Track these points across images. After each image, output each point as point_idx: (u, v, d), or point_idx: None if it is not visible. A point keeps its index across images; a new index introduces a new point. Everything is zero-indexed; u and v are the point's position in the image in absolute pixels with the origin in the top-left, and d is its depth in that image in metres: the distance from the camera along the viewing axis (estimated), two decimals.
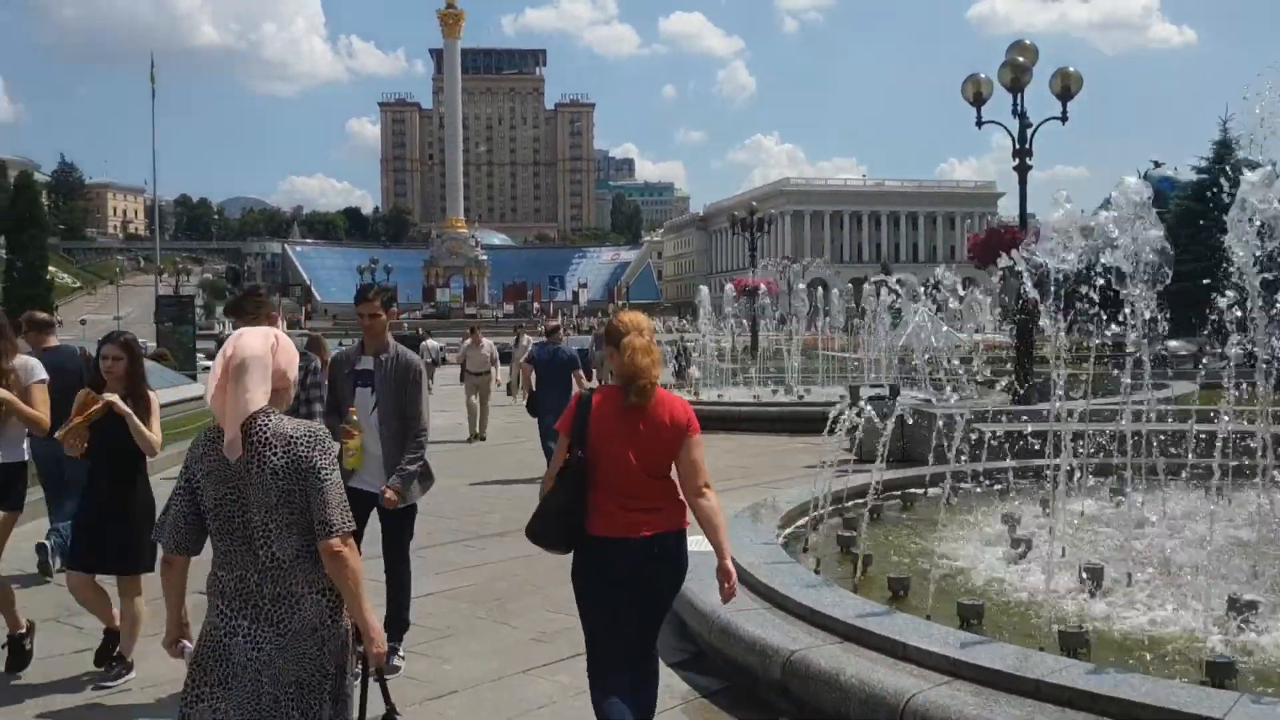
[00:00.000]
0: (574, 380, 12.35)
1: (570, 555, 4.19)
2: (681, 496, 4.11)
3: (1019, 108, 14.73)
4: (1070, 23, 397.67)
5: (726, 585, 4.04)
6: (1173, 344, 45.76)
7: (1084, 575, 5.99)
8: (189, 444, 3.22)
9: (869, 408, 7.89)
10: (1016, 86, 14.41)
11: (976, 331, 40.95)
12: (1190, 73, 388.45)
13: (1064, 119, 14.85)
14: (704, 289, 28.64)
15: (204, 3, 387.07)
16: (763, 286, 32.79)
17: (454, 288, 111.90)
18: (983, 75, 14.95)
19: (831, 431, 7.98)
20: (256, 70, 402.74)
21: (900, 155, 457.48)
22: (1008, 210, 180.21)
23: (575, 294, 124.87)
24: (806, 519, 8.27)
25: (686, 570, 4.20)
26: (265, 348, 3.08)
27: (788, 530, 8.07)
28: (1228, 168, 36.71)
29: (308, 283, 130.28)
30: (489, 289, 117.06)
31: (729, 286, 28.85)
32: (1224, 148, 38.82)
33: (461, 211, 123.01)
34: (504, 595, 7.58)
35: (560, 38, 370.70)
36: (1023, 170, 14.94)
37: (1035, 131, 14.83)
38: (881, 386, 14.37)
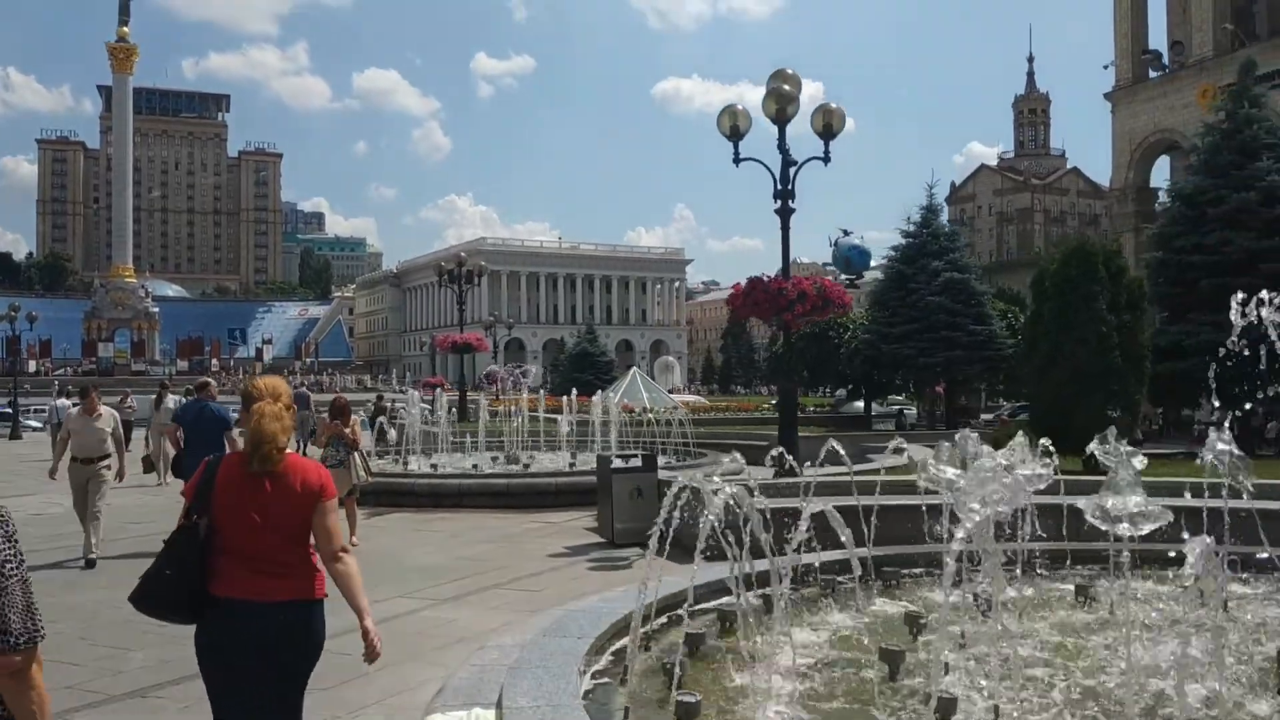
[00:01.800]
0: (225, 442, 11.39)
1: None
2: (319, 565, 4.01)
3: (783, 143, 13.83)
4: (746, 104, 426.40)
5: (368, 644, 3.99)
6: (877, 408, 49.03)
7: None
8: None
9: (686, 486, 6.18)
10: (781, 118, 13.64)
11: (672, 392, 41.72)
12: (865, 153, 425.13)
13: (826, 159, 14.09)
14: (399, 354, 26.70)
15: None
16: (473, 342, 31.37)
17: (119, 342, 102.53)
18: (740, 107, 14.11)
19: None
20: None
21: (591, 221, 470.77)
22: (694, 277, 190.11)
23: (259, 350, 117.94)
24: (605, 659, 6.30)
25: (321, 643, 4.04)
26: None
27: (593, 669, 6.03)
28: (932, 233, 39.64)
29: None
30: (160, 343, 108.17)
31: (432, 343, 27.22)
32: (930, 212, 41.48)
33: (130, 259, 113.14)
34: None
35: (247, 84, 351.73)
36: (784, 213, 13.82)
37: (799, 170, 13.93)
38: (634, 455, 13.40)
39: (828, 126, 14.11)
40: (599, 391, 29.94)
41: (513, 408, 23.45)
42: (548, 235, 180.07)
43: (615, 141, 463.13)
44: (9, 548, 2.44)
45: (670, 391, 42.59)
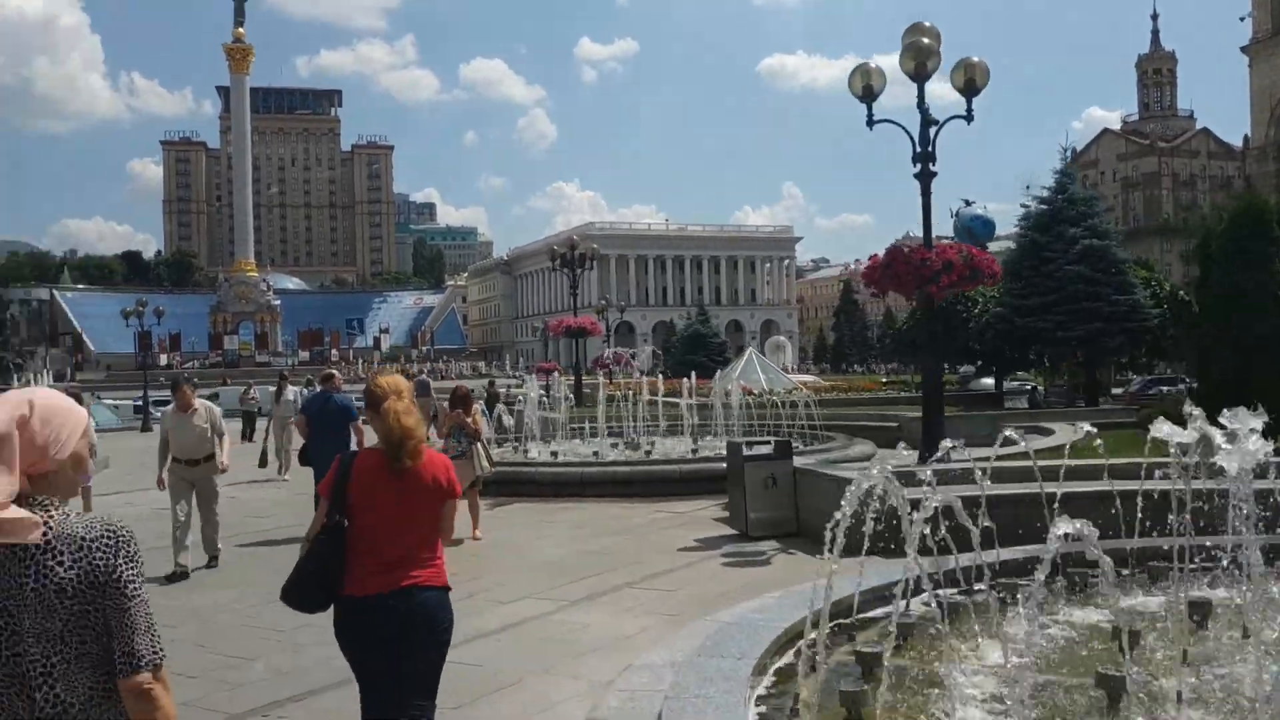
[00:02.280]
0: (351, 431, 11.92)
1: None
2: (443, 555, 4.21)
3: (922, 101, 12.62)
4: None
5: None
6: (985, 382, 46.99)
7: None
8: None
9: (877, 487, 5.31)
10: (920, 75, 12.50)
11: (785, 373, 40.56)
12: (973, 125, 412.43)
13: (969, 117, 12.90)
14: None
15: None
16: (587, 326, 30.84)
17: (243, 334, 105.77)
18: (873, 64, 12.98)
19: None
20: (28, 106, 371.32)
21: (698, 203, 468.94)
22: (803, 255, 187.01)
23: (377, 339, 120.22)
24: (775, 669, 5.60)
25: (451, 629, 4.23)
26: (6, 421, 2.29)
27: (762, 688, 5.30)
28: (1068, 198, 37.49)
29: (79, 331, 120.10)
30: (282, 335, 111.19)
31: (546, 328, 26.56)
32: (1066, 177, 39.09)
33: (251, 254, 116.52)
34: None
35: (357, 80, 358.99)
36: (925, 177, 12.64)
37: (940, 131, 12.74)
38: (766, 441, 12.57)
39: (970, 82, 12.90)
40: (718, 372, 29.14)
41: (630, 392, 22.77)
42: (655, 218, 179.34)
43: (720, 121, 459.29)
44: (130, 569, 2.35)
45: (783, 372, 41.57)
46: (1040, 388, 47.63)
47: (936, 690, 5.12)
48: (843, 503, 5.16)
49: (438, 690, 4.26)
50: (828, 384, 49.35)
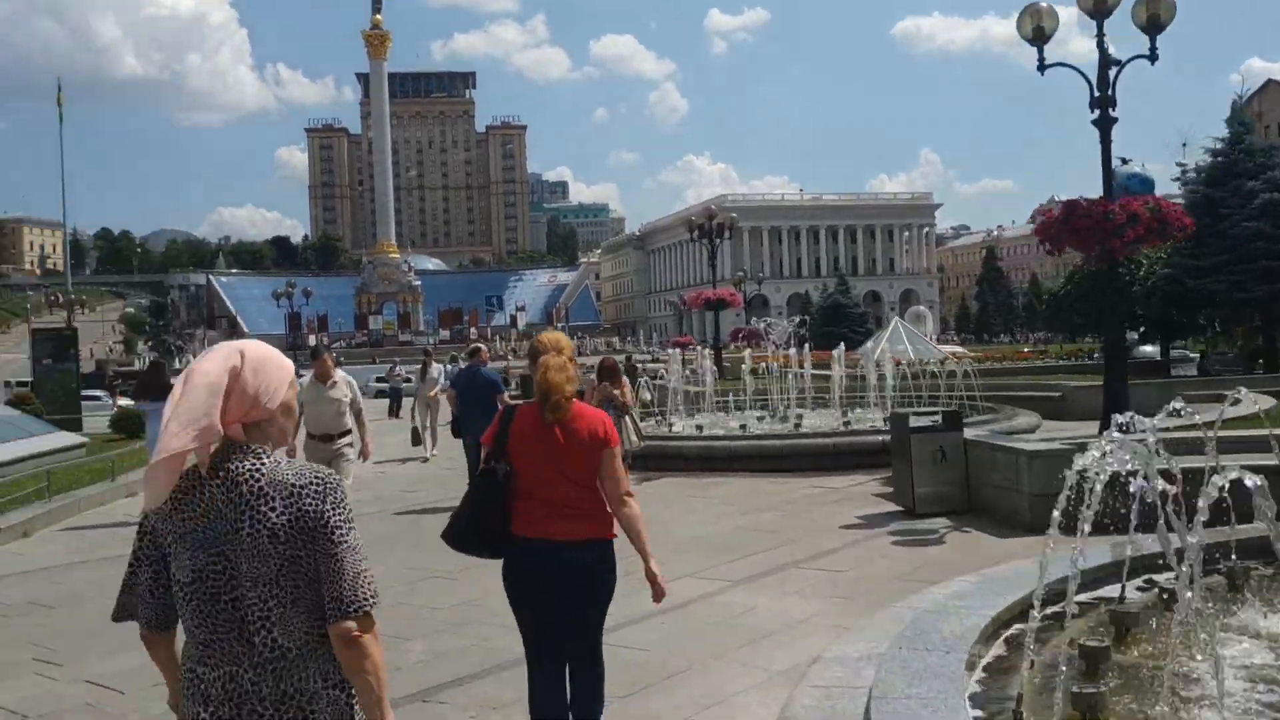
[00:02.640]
0: (498, 403, 11.77)
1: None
2: (609, 508, 4.25)
3: (1102, 40, 11.46)
4: (991, 39, 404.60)
5: (655, 588, 4.24)
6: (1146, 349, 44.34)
7: None
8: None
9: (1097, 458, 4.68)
10: (1100, 10, 11.40)
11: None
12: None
13: (1153, 57, 11.77)
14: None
15: (125, 34, 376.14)
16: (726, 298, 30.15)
17: (387, 314, 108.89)
18: (1044, 3, 11.96)
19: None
20: (181, 101, 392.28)
21: (831, 172, 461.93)
22: (943, 222, 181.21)
23: (513, 317, 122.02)
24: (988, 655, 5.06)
25: (614, 580, 4.34)
26: (221, 369, 2.36)
27: (974, 684, 4.73)
28: (1245, 149, 34.80)
29: (234, 314, 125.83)
30: (423, 315, 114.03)
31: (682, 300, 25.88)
32: (1243, 127, 35.98)
33: (393, 236, 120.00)
34: None
35: (489, 62, 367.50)
36: (1105, 123, 11.59)
37: (1120, 72, 11.64)
38: (934, 412, 11.80)
39: (1153, 18, 11.76)
40: (868, 343, 28.18)
41: (775, 364, 22.08)
42: (788, 188, 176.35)
43: (854, 87, 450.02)
44: (337, 515, 2.35)
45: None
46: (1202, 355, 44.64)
47: (1178, 694, 4.39)
48: (1067, 475, 4.48)
49: (601, 644, 4.43)
50: (975, 354, 47.42)
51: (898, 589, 7.44)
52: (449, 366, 33.21)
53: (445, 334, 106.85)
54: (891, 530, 10.02)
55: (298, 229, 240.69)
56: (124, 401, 42.74)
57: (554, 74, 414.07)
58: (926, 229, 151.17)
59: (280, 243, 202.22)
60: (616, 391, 11.44)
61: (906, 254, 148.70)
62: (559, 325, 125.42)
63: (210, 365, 2.38)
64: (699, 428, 17.10)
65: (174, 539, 2.36)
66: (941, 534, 9.78)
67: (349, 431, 9.70)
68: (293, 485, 2.35)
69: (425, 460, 18.17)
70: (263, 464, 2.37)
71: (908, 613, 5.47)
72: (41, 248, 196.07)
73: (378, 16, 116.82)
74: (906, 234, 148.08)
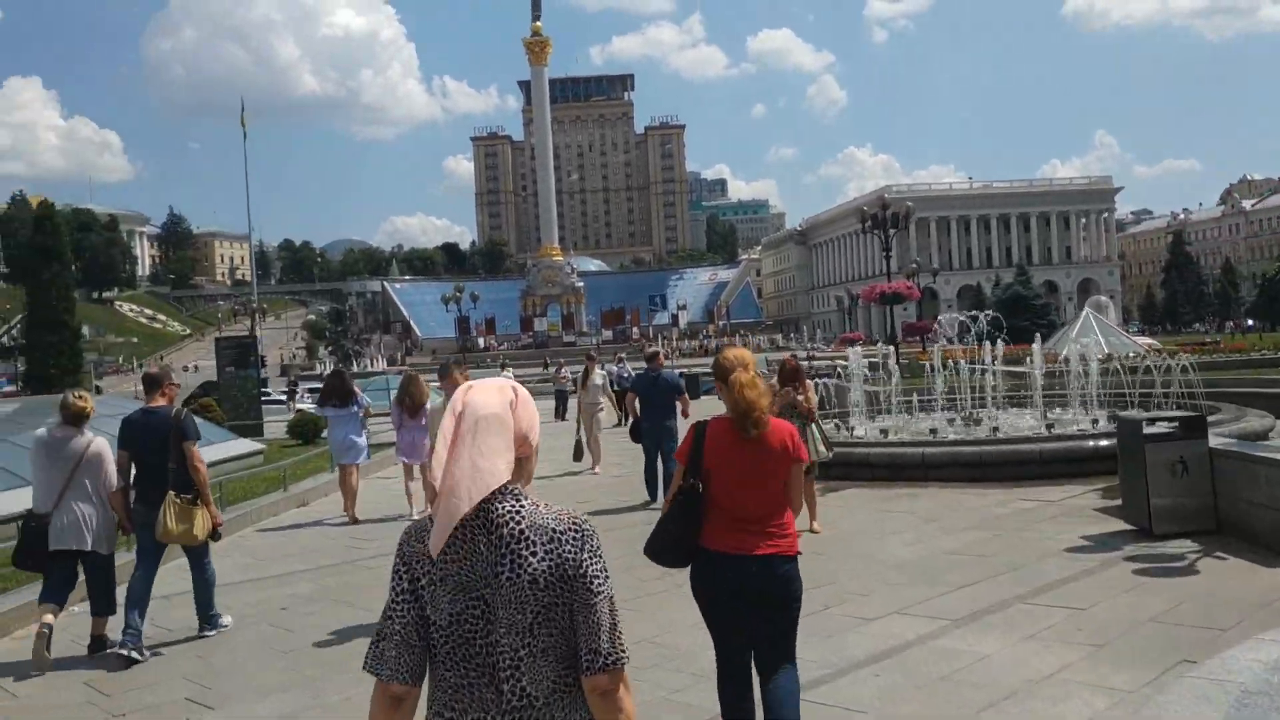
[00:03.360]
0: (679, 405, 12.80)
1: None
2: (793, 525, 4.41)
3: None
4: (1172, 11, 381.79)
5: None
6: None
7: None
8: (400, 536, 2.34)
9: None
10: None
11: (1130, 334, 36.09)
12: None
13: None
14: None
15: (303, 55, 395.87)
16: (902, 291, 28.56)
17: (551, 316, 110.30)
18: None
19: None
20: (357, 115, 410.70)
21: (999, 159, 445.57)
22: (1123, 207, 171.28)
23: (675, 316, 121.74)
24: None
25: (800, 595, 4.36)
26: (503, 406, 2.34)
27: None
28: None
29: (407, 319, 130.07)
30: (586, 315, 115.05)
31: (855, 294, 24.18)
32: None
33: (556, 239, 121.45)
34: None
35: (647, 63, 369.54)
36: None
37: None
38: (1170, 416, 10.32)
39: None
40: (1053, 336, 26.23)
41: (962, 360, 20.49)
42: (954, 178, 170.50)
43: (1021, 71, 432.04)
44: (595, 563, 2.29)
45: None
46: None
47: None
48: None
49: (794, 653, 4.37)
50: (1172, 346, 43.98)
51: (1161, 636, 6.21)
52: (614, 368, 32.75)
53: (608, 334, 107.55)
54: (1128, 555, 8.65)
55: (465, 235, 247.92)
56: (302, 406, 44.42)
57: (711, 72, 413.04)
58: (1105, 214, 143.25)
59: (449, 249, 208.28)
60: (801, 397, 10.42)
61: (1084, 241, 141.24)
62: (720, 323, 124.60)
63: (490, 400, 2.34)
64: (883, 432, 15.82)
65: (431, 581, 2.30)
66: (1191, 561, 8.38)
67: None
68: (553, 530, 2.29)
69: (590, 471, 16.81)
70: (522, 506, 2.31)
71: (1219, 685, 4.27)
72: (231, 260, 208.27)
73: (537, 24, 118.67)
74: (1084, 221, 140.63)
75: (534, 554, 2.25)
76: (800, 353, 45.13)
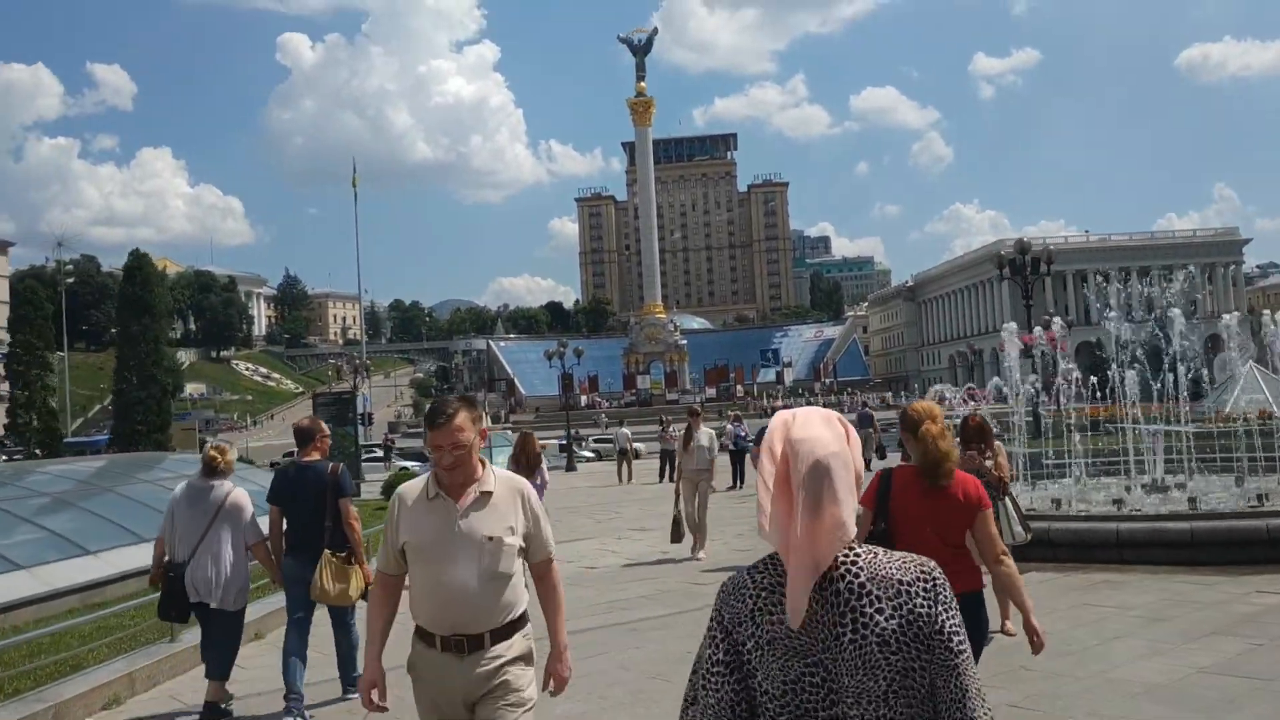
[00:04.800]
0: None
1: None
2: (976, 562, 4.62)
3: None
4: None
5: (1035, 640, 4.34)
6: None
7: None
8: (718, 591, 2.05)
9: None
10: None
11: None
12: None
13: None
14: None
15: (416, 122, 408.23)
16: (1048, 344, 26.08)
17: (654, 374, 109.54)
18: None
19: None
20: (466, 180, 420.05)
21: (1112, 213, 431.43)
22: (1256, 259, 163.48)
23: (779, 373, 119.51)
24: None
25: (986, 630, 4.88)
26: (840, 441, 2.08)
27: None
28: None
29: (511, 377, 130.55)
30: (690, 373, 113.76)
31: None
32: None
33: (659, 297, 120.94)
34: None
35: (749, 123, 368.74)
36: None
37: None
38: None
39: None
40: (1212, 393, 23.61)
41: (1123, 419, 18.14)
42: (1066, 232, 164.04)
43: (1134, 123, 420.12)
44: (950, 617, 2.01)
45: None
46: None
47: None
48: None
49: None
50: None
51: None
52: (730, 426, 30.77)
53: (711, 392, 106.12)
54: None
55: (569, 294, 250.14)
56: (403, 463, 43.57)
57: (814, 131, 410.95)
58: (1233, 267, 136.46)
59: (553, 308, 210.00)
60: (989, 462, 8.39)
61: (1209, 295, 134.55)
62: (826, 380, 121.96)
63: (825, 434, 2.07)
64: (1056, 502, 13.52)
65: (757, 645, 2.05)
66: None
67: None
68: (899, 582, 2.04)
69: (697, 559, 13.76)
70: (859, 555, 2.07)
71: None
72: (343, 320, 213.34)
73: (642, 84, 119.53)
74: (1208, 274, 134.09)
75: (880, 611, 2.00)
76: (982, 409, 42.44)
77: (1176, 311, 19.26)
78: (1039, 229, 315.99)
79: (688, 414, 16.07)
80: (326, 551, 7.15)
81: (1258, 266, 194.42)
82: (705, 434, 15.25)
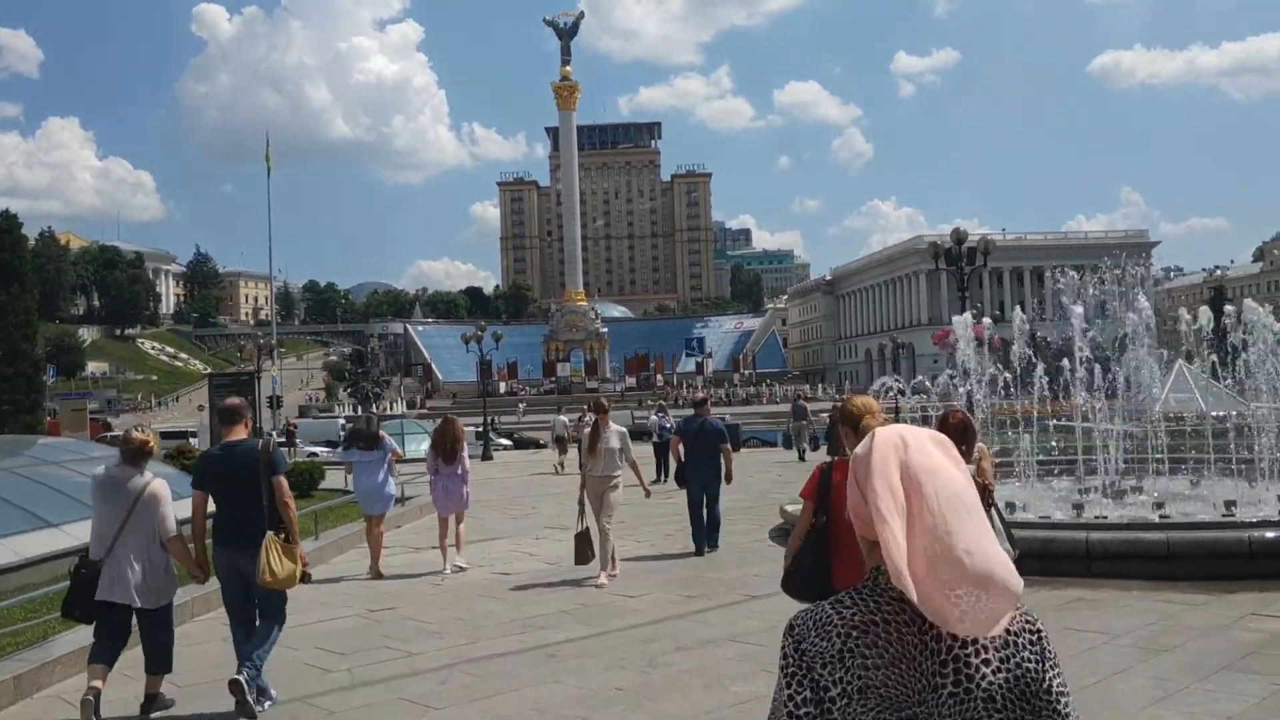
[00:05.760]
0: (722, 453, 12.96)
1: None
2: None
3: None
4: (1198, 70, 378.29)
5: None
6: None
7: None
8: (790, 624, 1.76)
9: None
10: None
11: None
12: None
13: None
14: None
15: (336, 100, 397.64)
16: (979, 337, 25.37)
17: (574, 362, 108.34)
18: None
19: None
20: (387, 161, 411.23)
21: (1024, 214, 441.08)
22: (1161, 261, 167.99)
23: (699, 364, 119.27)
24: None
25: None
26: (958, 459, 1.77)
27: None
28: None
29: (429, 361, 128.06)
30: (610, 362, 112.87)
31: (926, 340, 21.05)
32: None
33: (580, 285, 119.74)
34: None
35: (674, 114, 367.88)
36: None
37: None
38: None
39: None
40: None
41: (1072, 417, 17.41)
42: (982, 230, 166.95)
43: (1048, 127, 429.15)
44: (1056, 675, 1.74)
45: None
46: None
47: None
48: None
49: None
50: None
51: None
52: (655, 416, 29.58)
53: (631, 381, 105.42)
54: None
55: (490, 280, 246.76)
56: (311, 449, 41.43)
57: (737, 124, 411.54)
58: (1141, 269, 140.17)
59: (474, 293, 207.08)
60: (970, 467, 7.26)
61: (1120, 296, 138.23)
62: (745, 371, 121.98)
63: (944, 459, 1.73)
64: (1009, 506, 12.51)
65: (844, 692, 1.79)
66: None
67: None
68: (1005, 631, 1.75)
69: (599, 583, 11.18)
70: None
71: None
72: (255, 300, 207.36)
73: (567, 69, 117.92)
74: (1118, 275, 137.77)
75: (986, 662, 1.73)
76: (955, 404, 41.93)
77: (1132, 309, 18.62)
78: (952, 228, 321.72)
79: (593, 409, 12.80)
80: (270, 533, 6.73)
81: (1162, 269, 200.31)
82: (615, 433, 11.82)
